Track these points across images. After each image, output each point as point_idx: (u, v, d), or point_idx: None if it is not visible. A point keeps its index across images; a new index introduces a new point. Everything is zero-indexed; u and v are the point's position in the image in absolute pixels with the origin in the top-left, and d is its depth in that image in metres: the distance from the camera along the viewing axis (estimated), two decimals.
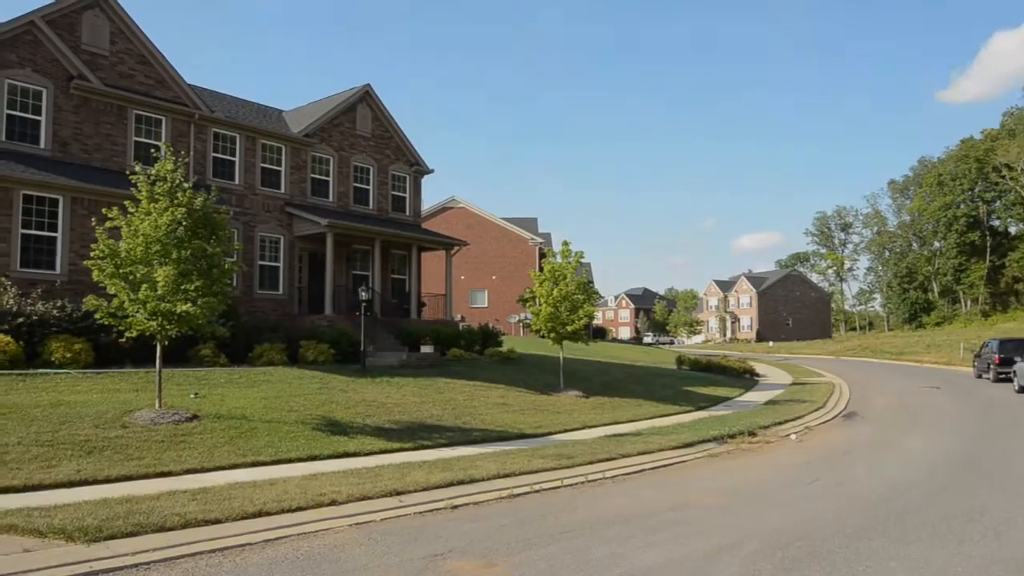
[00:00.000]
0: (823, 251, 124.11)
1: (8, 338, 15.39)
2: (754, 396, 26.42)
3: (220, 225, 13.97)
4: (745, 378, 33.24)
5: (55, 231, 18.21)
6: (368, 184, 27.74)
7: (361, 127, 27.55)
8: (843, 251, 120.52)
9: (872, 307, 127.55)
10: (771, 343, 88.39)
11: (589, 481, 11.02)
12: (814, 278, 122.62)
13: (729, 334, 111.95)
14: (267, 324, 21.70)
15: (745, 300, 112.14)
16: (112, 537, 6.99)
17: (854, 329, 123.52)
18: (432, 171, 30.14)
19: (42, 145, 19.01)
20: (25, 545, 6.73)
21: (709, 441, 15.19)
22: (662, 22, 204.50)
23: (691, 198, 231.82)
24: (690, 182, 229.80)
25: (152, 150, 17.33)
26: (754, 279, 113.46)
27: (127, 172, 15.35)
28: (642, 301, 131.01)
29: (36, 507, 7.84)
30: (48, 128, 19.14)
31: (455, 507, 9.03)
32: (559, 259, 22.53)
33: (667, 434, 15.82)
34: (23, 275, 17.46)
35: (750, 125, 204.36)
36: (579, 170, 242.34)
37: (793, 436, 16.62)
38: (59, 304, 16.74)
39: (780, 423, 18.40)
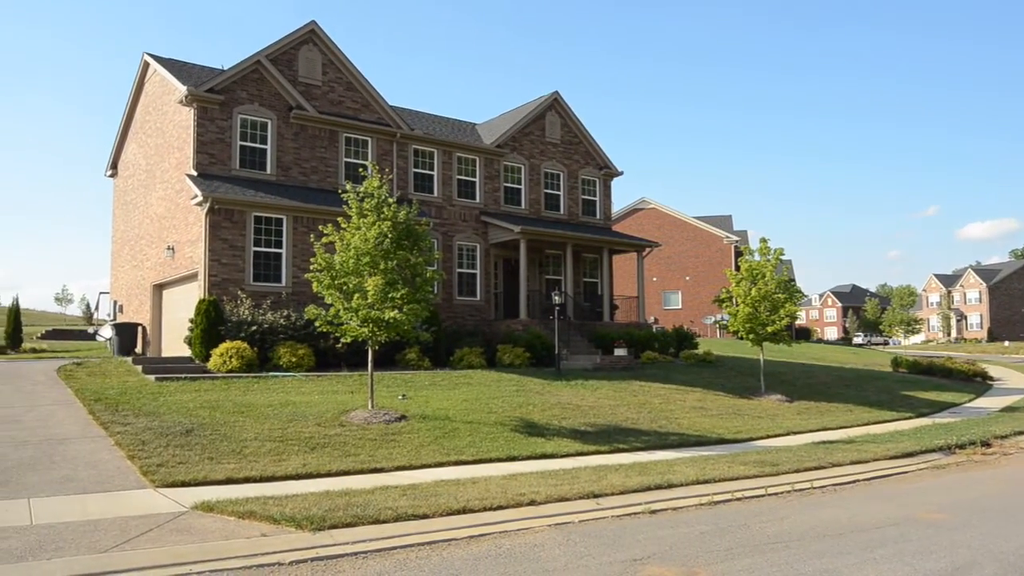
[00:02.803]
0: None
1: (245, 344, 17.36)
2: (987, 402, 23.75)
3: (422, 236, 14.82)
4: (975, 382, 29.90)
5: (280, 247, 20.15)
6: (558, 190, 28.15)
7: (550, 134, 28.03)
8: None
9: None
10: (1007, 343, 78.99)
11: (796, 490, 10.42)
12: None
13: (954, 333, 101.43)
14: (466, 329, 22.72)
15: (973, 295, 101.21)
16: (334, 527, 7.61)
17: None
18: (621, 173, 30.02)
19: (268, 171, 21.16)
20: (262, 530, 7.51)
21: (934, 451, 13.85)
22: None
23: (909, 184, 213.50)
24: (909, 166, 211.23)
25: (360, 169, 18.75)
26: (983, 272, 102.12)
27: (339, 191, 16.74)
28: (850, 299, 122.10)
29: (270, 496, 8.73)
30: (272, 155, 21.28)
31: (653, 512, 8.90)
32: (757, 257, 21.59)
33: (883, 442, 14.61)
34: (255, 288, 19.51)
35: (981, 97, 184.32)
36: (781, 163, 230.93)
37: None
38: (284, 314, 18.60)
39: (1021, 433, 16.38)
